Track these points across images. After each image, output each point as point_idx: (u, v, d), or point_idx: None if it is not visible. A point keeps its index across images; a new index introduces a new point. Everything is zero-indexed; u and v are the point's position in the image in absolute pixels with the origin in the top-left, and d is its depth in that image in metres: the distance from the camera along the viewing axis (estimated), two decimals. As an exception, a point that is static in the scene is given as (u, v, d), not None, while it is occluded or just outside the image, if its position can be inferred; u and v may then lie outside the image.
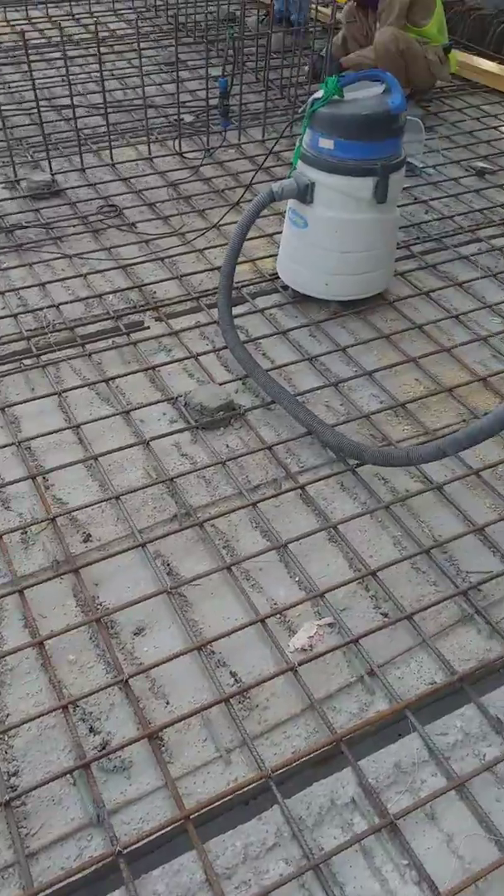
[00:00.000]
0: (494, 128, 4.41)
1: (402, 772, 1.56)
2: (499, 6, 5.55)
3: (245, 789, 1.52)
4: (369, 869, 1.42)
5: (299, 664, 1.72)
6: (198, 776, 1.57)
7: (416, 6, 4.09)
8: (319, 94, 2.60)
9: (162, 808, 1.52)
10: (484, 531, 2.06)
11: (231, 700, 1.66)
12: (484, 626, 1.85)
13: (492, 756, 1.58)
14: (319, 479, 2.22)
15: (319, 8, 5.00)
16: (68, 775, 1.55)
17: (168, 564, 1.99)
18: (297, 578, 1.96)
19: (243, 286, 3.03)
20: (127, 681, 1.68)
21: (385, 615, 1.87)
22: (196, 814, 1.49)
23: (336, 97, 2.59)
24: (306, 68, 4.61)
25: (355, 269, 2.80)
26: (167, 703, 1.69)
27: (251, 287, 3.05)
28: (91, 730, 1.63)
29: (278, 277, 3.02)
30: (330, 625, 1.85)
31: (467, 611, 1.88)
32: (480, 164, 3.93)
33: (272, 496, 2.16)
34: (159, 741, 1.62)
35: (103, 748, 1.59)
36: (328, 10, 4.36)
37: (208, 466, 2.25)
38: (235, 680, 1.73)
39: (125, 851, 1.42)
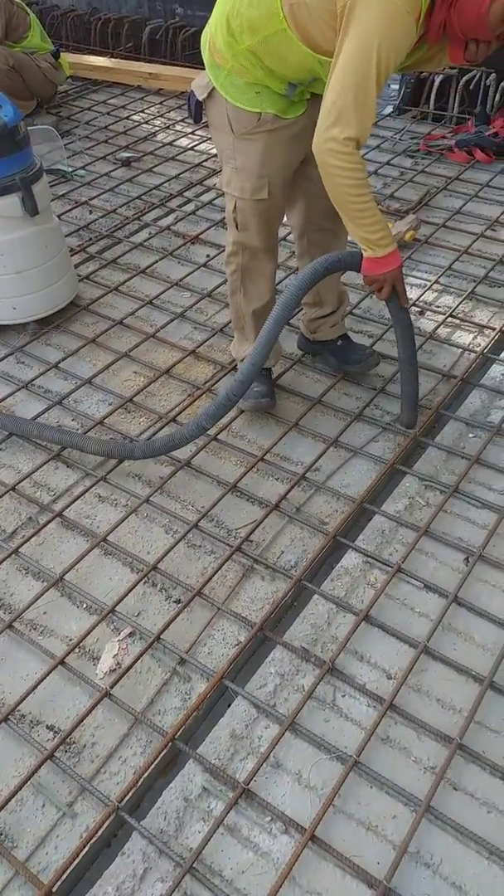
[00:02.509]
0: (126, 118, 4.53)
1: (239, 738, 1.59)
2: (91, 4, 5.67)
3: (99, 833, 1.45)
4: (239, 843, 1.43)
5: (111, 686, 1.67)
6: (47, 845, 1.47)
7: (11, 24, 4.06)
8: None
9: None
10: (237, 487, 2.15)
11: (56, 753, 1.57)
12: (265, 571, 1.93)
13: (309, 684, 1.66)
14: (75, 500, 2.16)
15: None
16: None
17: None
18: (84, 605, 1.90)
19: None
20: None
21: (178, 601, 1.88)
22: (58, 883, 1.39)
23: None
24: None
25: (36, 286, 2.73)
26: (-9, 790, 1.55)
27: None
28: None
29: (-37, 318, 2.86)
30: (130, 635, 1.82)
31: (247, 564, 1.95)
32: (124, 155, 4.02)
33: (33, 535, 2.06)
34: (-5, 832, 1.49)
35: None
36: None
37: (-47, 533, 2.09)
38: (54, 732, 1.64)
39: None
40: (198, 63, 5.13)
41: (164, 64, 5.00)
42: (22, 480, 2.22)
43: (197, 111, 2.04)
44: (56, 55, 4.27)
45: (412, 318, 2.22)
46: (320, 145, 1.73)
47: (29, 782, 1.53)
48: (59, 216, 3.29)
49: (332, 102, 1.68)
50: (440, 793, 1.48)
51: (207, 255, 3.21)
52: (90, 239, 3.37)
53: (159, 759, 1.55)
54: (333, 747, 1.55)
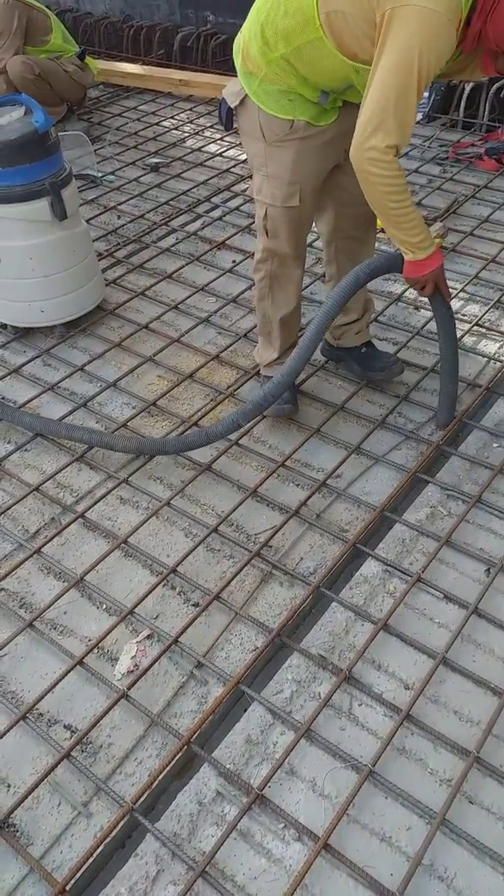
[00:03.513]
0: (156, 124, 4.57)
1: (254, 744, 1.59)
2: (125, 11, 5.74)
3: (113, 833, 1.46)
4: (252, 848, 1.43)
5: (128, 688, 1.68)
6: (62, 844, 1.48)
7: (31, 27, 4.08)
8: (-38, 128, 2.52)
9: (35, 894, 1.41)
10: (257, 492, 2.15)
11: (72, 753, 1.59)
12: (283, 577, 1.93)
13: (325, 691, 1.66)
14: (97, 502, 2.18)
15: None
16: None
17: (-35, 647, 1.84)
18: (104, 606, 1.91)
19: (-43, 338, 2.87)
20: (-46, 785, 1.54)
21: (196, 605, 1.89)
22: (71, 882, 1.40)
23: (-20, 128, 2.52)
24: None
25: (64, 290, 2.77)
26: (8, 787, 1.57)
27: (-34, 338, 2.90)
28: None
29: (-8, 319, 2.91)
30: (148, 637, 1.83)
31: (266, 569, 1.95)
32: (153, 160, 4.06)
33: (55, 535, 2.08)
34: (11, 828, 1.50)
35: (-49, 866, 1.44)
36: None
37: (-23, 532, 2.12)
38: (71, 732, 1.65)
39: None
40: (228, 70, 5.18)
41: (194, 71, 5.04)
42: (46, 481, 2.25)
43: (228, 118, 2.06)
44: (82, 56, 4.28)
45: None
46: (360, 154, 1.72)
47: (45, 780, 1.55)
48: (87, 221, 3.33)
49: (371, 111, 1.67)
50: (456, 806, 1.46)
51: (233, 261, 3.23)
52: (118, 243, 3.40)
53: (174, 761, 1.56)
54: (349, 756, 1.54)
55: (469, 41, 1.71)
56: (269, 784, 1.50)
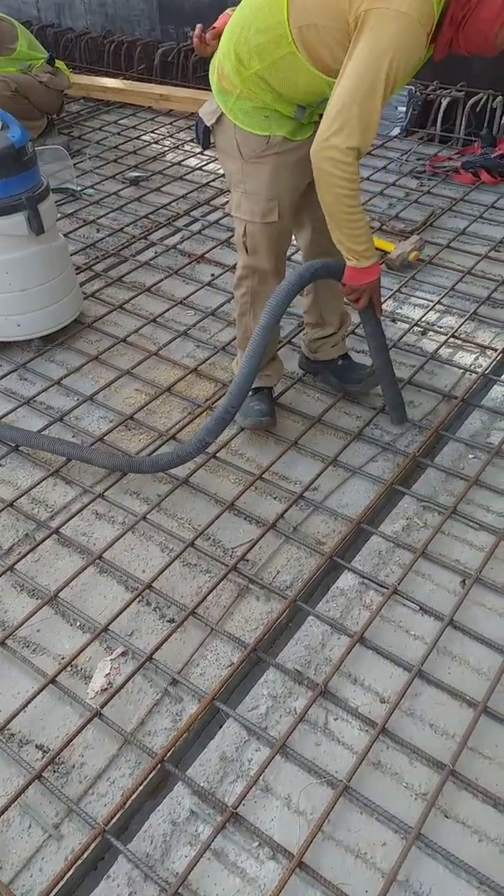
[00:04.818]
0: (136, 138, 4.58)
1: (229, 761, 1.57)
2: (105, 26, 5.77)
3: (85, 855, 1.44)
4: (226, 868, 1.41)
5: (102, 706, 1.66)
6: (32, 867, 1.45)
7: None
8: None
9: (4, 920, 1.38)
10: (235, 505, 2.15)
11: (44, 774, 1.56)
12: (260, 591, 1.92)
13: (301, 707, 1.65)
14: (73, 517, 2.16)
15: None
16: None
17: None
18: (77, 623, 1.89)
19: None
20: None
21: (171, 621, 1.87)
22: (41, 907, 1.37)
23: (-45, 143, 2.52)
24: None
25: (41, 304, 2.76)
26: (-22, 810, 1.54)
27: None
28: None
29: (-31, 334, 2.89)
30: (122, 654, 1.81)
31: (242, 583, 1.94)
32: (133, 174, 4.06)
33: (29, 551, 2.06)
34: (-20, 853, 1.47)
35: None
36: None
37: (-50, 549, 2.09)
38: (43, 752, 1.63)
39: None
40: (208, 85, 5.19)
41: (174, 85, 5.07)
42: (20, 496, 2.23)
43: (205, 137, 2.07)
44: (51, 61, 4.26)
45: (414, 337, 2.24)
46: (320, 152, 1.73)
47: (16, 802, 1.52)
48: (66, 234, 3.33)
49: (337, 110, 1.68)
50: (431, 820, 1.45)
51: (212, 274, 3.23)
52: (97, 257, 3.40)
53: (148, 780, 1.54)
54: (324, 771, 1.53)
55: (440, 48, 1.73)
56: (243, 802, 1.48)
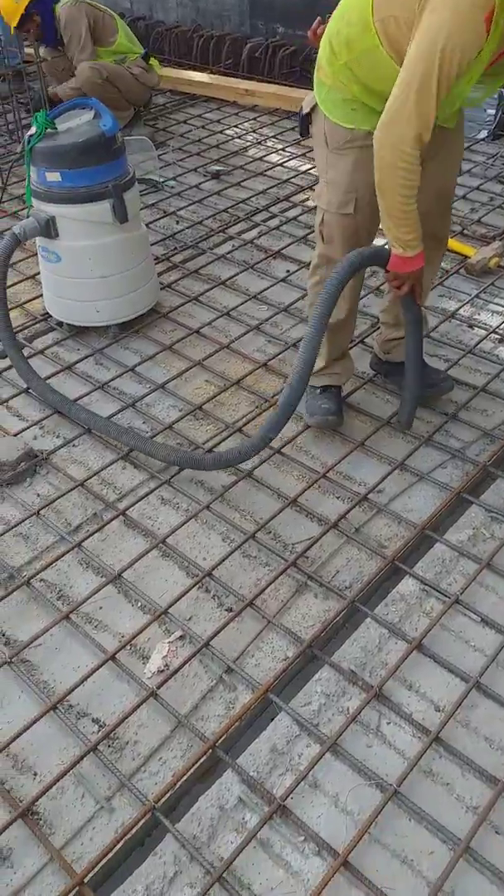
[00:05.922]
0: (219, 132, 4.62)
1: (279, 754, 1.58)
2: (196, 20, 5.82)
3: (134, 830, 1.47)
4: (270, 859, 1.42)
5: (158, 687, 1.70)
6: (83, 836, 1.50)
7: (97, 28, 4.19)
8: (33, 130, 2.59)
9: (53, 883, 1.43)
10: (297, 502, 2.15)
11: (99, 747, 1.60)
12: (318, 588, 1.92)
13: (354, 707, 1.64)
14: (139, 500, 2.20)
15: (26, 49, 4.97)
16: None
17: (3, 634, 1.88)
18: (139, 604, 1.93)
19: (17, 332, 2.93)
20: (-17, 769, 1.57)
21: (229, 610, 1.89)
22: (90, 875, 1.41)
23: (50, 130, 2.59)
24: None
25: (120, 291, 2.82)
26: (35, 775, 1.60)
27: (25, 331, 2.98)
28: (-43, 833, 1.50)
29: (50, 316, 2.98)
30: (180, 638, 1.84)
31: (301, 580, 1.94)
32: (215, 168, 4.10)
33: (96, 531, 2.11)
34: (35, 816, 1.52)
35: (-26, 848, 1.47)
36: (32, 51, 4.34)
37: (22, 521, 2.16)
38: (99, 726, 1.67)
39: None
40: (294, 81, 5.22)
41: (260, 81, 5.08)
42: (91, 477, 2.29)
43: (304, 126, 2.12)
44: (146, 58, 4.36)
45: (491, 344, 2.18)
46: (381, 139, 1.73)
47: (71, 772, 1.57)
48: (147, 224, 3.39)
49: (395, 97, 1.70)
50: (481, 834, 1.43)
51: (287, 271, 3.24)
52: (175, 248, 3.45)
53: (199, 764, 1.56)
54: (374, 774, 1.52)
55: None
56: (291, 795, 1.49)
